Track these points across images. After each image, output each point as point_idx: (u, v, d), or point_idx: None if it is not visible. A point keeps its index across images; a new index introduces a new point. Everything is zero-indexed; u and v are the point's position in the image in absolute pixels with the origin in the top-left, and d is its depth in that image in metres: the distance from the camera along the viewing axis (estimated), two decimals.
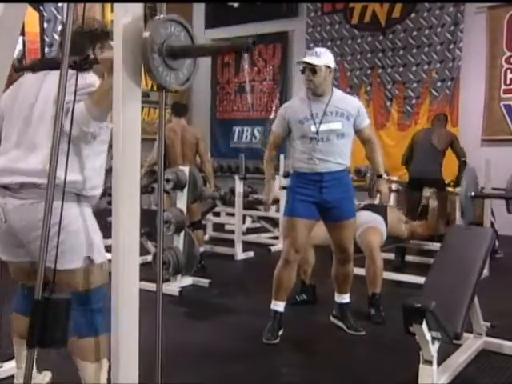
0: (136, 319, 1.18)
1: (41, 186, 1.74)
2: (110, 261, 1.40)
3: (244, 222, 6.89)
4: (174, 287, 4.17)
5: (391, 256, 5.05)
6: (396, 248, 5.04)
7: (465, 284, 2.67)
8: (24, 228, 1.82)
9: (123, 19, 1.11)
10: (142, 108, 1.20)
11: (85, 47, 1.92)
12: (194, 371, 2.72)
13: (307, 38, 8.61)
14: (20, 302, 2.15)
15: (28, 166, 1.81)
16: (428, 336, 2.32)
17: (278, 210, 6.65)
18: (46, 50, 9.02)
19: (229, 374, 2.73)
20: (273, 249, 5.91)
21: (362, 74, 8.26)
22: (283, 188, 5.88)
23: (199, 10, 9.68)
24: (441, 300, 2.37)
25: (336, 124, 3.09)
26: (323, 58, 3.07)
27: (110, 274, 1.32)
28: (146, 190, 5.45)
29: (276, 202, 6.47)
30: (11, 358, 2.54)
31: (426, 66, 7.73)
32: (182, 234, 4.27)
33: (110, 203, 1.25)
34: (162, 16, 1.19)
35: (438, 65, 7.64)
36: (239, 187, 5.76)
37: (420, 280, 3.62)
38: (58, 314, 1.33)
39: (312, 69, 3.05)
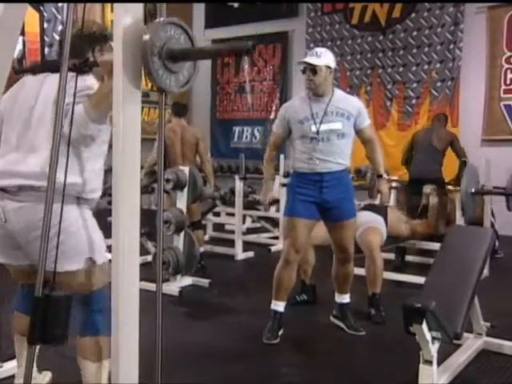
0: (136, 319, 1.18)
1: (39, 189, 1.74)
2: (110, 261, 1.41)
3: (244, 222, 6.89)
4: (173, 287, 4.17)
5: (391, 256, 5.05)
6: (396, 248, 5.04)
7: (465, 284, 2.67)
8: (22, 230, 1.82)
9: (123, 22, 1.11)
10: (142, 108, 1.20)
11: (84, 50, 1.92)
12: (193, 371, 2.72)
13: (307, 37, 8.61)
14: (21, 300, 2.15)
15: (27, 169, 1.81)
16: (428, 336, 2.32)
17: (278, 210, 6.65)
18: (46, 49, 9.01)
19: (229, 374, 2.73)
20: (273, 249, 5.91)
21: (362, 74, 8.26)
22: (283, 185, 5.89)
23: (199, 10, 9.68)
24: (441, 300, 2.37)
25: (336, 124, 3.09)
26: (324, 58, 3.07)
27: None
28: (146, 190, 5.45)
29: (275, 202, 6.48)
30: (11, 358, 2.54)
31: (426, 66, 7.73)
32: (182, 234, 4.27)
33: (110, 203, 1.25)
34: (162, 19, 1.19)
35: (438, 65, 7.64)
36: (239, 187, 5.76)
37: (420, 280, 3.62)
38: (59, 310, 1.33)
39: (312, 69, 3.05)
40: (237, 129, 9.51)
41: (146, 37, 1.11)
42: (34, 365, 2.30)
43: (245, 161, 6.28)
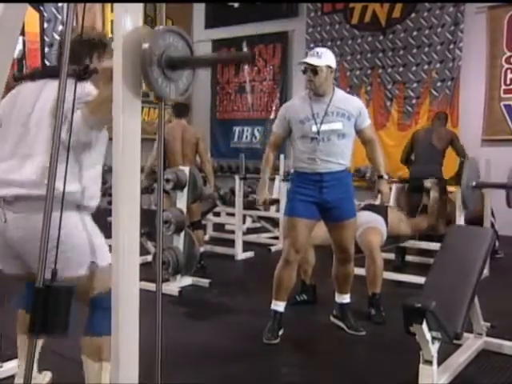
0: (136, 319, 1.18)
1: (35, 198, 1.73)
2: None
3: (244, 222, 6.89)
4: (173, 287, 4.17)
5: (391, 256, 5.05)
6: (396, 248, 5.04)
7: (465, 284, 2.67)
8: (21, 239, 1.80)
9: (123, 27, 1.11)
10: (142, 108, 1.20)
11: (83, 56, 1.92)
12: (194, 371, 2.72)
13: (307, 38, 8.61)
14: (26, 299, 2.14)
15: (21, 177, 1.79)
16: (428, 336, 2.32)
17: (278, 210, 6.65)
18: (46, 49, 9.02)
19: (229, 374, 2.73)
20: (273, 249, 5.92)
21: (362, 74, 8.26)
22: (285, 180, 5.89)
23: (199, 10, 9.68)
24: (441, 300, 2.37)
25: (337, 124, 3.09)
26: (324, 58, 3.07)
27: None
28: (146, 190, 5.46)
29: (275, 202, 6.48)
30: (11, 358, 2.55)
31: (426, 66, 7.74)
32: (182, 234, 4.27)
33: (110, 203, 1.25)
34: (161, 27, 1.19)
35: (438, 65, 7.64)
36: (239, 187, 5.76)
37: (420, 280, 3.62)
38: (60, 301, 1.34)
39: (313, 69, 3.05)
40: (237, 129, 9.51)
41: (146, 45, 1.11)
42: (35, 365, 2.30)
43: (245, 161, 6.28)
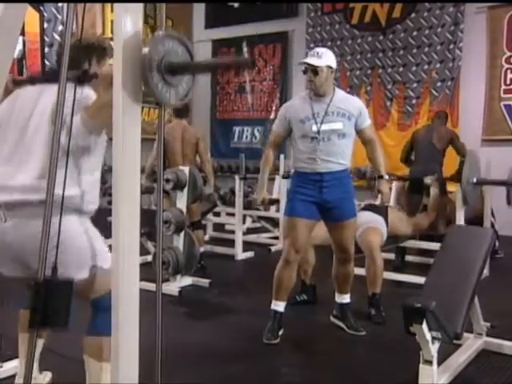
0: (136, 319, 1.18)
1: (33, 203, 1.72)
2: None
3: (244, 222, 6.89)
4: (173, 287, 4.17)
5: (391, 256, 5.05)
6: (396, 248, 5.04)
7: (465, 284, 2.67)
8: (21, 245, 1.79)
9: (123, 31, 1.11)
10: (142, 108, 1.20)
11: (82, 61, 1.92)
12: (194, 371, 2.72)
13: (307, 38, 8.61)
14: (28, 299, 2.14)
15: (18, 183, 1.79)
16: (428, 336, 2.32)
17: (278, 210, 6.65)
18: (46, 49, 9.02)
19: (229, 374, 2.73)
20: (273, 249, 5.92)
21: (362, 74, 8.26)
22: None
23: (199, 10, 9.68)
24: (441, 300, 2.37)
25: (337, 124, 3.09)
26: (324, 58, 3.07)
27: None
28: (147, 190, 5.45)
29: (275, 202, 6.48)
30: (11, 358, 2.55)
31: (426, 66, 7.74)
32: (182, 234, 4.27)
33: (110, 203, 1.25)
34: (160, 32, 1.19)
35: (438, 65, 7.64)
36: (239, 187, 5.76)
37: (420, 280, 3.62)
38: (60, 294, 1.34)
39: (314, 70, 3.05)
40: (237, 129, 9.51)
41: (145, 50, 1.12)
42: (35, 365, 2.30)
43: (245, 161, 6.28)
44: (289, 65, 8.90)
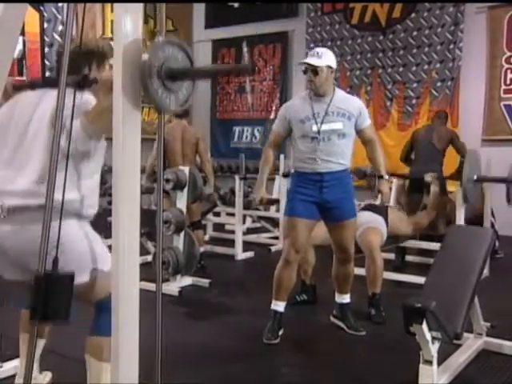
0: (136, 319, 1.18)
1: (32, 208, 1.72)
2: None
3: (244, 222, 6.89)
4: (173, 287, 4.17)
5: (391, 256, 5.05)
6: (396, 248, 5.04)
7: (465, 284, 2.67)
8: (20, 250, 1.79)
9: (123, 35, 1.11)
10: (142, 108, 1.20)
11: (82, 66, 1.91)
12: (194, 371, 2.72)
13: (307, 38, 8.60)
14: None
15: (17, 187, 1.79)
16: (428, 336, 2.32)
17: (278, 210, 6.65)
18: (46, 49, 9.02)
19: (229, 374, 2.73)
20: (273, 249, 5.91)
21: (362, 74, 8.25)
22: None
23: (199, 10, 9.67)
24: (441, 300, 2.37)
25: (337, 124, 3.09)
26: (324, 58, 3.07)
27: None
28: (148, 191, 5.45)
29: (275, 202, 6.48)
30: (11, 358, 2.55)
31: (426, 66, 7.73)
32: (182, 234, 4.27)
33: (110, 203, 1.25)
34: (160, 39, 1.19)
35: (438, 65, 7.64)
36: (239, 187, 5.76)
37: (420, 280, 3.62)
38: (61, 287, 1.34)
39: (314, 70, 3.05)
40: (237, 129, 9.50)
41: (145, 56, 1.12)
42: (35, 365, 2.31)
43: (245, 161, 6.28)
44: (289, 65, 8.89)
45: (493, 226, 5.12)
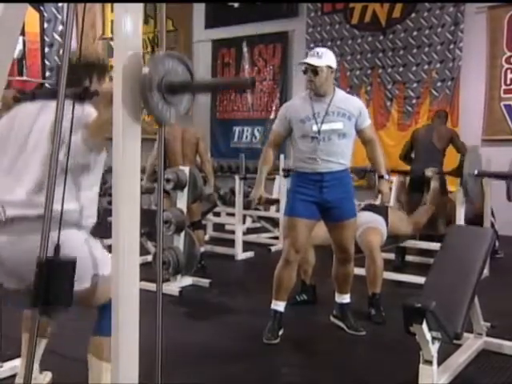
0: (136, 319, 1.18)
1: (30, 219, 1.72)
2: None
3: (244, 222, 6.89)
4: (174, 287, 4.17)
5: (391, 256, 5.05)
6: (396, 248, 5.04)
7: (465, 284, 2.67)
8: (18, 261, 1.78)
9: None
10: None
11: (82, 78, 1.92)
12: (194, 371, 2.72)
13: (307, 37, 8.60)
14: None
15: (15, 197, 1.78)
16: (428, 336, 2.32)
17: (278, 210, 6.65)
18: (46, 49, 9.03)
19: (229, 374, 2.73)
20: (273, 249, 5.91)
21: (362, 74, 8.25)
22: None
23: (199, 10, 9.67)
24: (441, 300, 2.37)
25: (337, 124, 3.09)
26: (325, 58, 3.07)
27: None
28: (147, 191, 5.45)
29: (275, 202, 6.47)
30: (11, 358, 2.55)
31: (426, 66, 7.73)
32: (182, 234, 4.27)
33: (110, 203, 1.26)
34: (161, 52, 1.19)
35: (438, 65, 7.63)
36: (239, 187, 5.76)
37: (420, 280, 3.62)
38: (62, 274, 1.35)
39: (314, 70, 3.05)
40: (237, 129, 9.50)
41: (146, 70, 1.12)
42: (36, 365, 2.31)
43: (245, 161, 6.27)
44: (289, 65, 8.89)
45: (493, 225, 5.12)
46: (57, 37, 9.07)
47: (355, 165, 5.48)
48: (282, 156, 6.37)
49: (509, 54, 7.11)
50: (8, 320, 2.34)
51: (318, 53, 3.10)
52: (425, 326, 2.30)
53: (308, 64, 3.08)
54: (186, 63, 1.22)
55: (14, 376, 2.41)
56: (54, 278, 1.32)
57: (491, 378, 2.71)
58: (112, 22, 9.46)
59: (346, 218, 3.17)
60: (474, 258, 2.79)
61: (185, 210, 4.37)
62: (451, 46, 7.50)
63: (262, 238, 6.63)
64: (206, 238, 6.24)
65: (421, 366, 2.39)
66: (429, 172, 5.10)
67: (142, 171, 4.83)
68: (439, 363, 2.46)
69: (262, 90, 9.22)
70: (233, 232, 5.93)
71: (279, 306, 3.22)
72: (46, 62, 9.12)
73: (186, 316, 3.74)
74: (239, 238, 5.66)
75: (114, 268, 1.15)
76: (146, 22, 9.23)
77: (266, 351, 3.04)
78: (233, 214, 6.32)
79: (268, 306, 3.25)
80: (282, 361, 2.96)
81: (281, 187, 6.53)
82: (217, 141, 9.61)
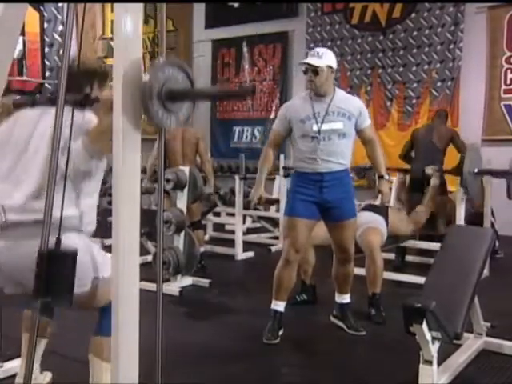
0: (136, 319, 1.18)
1: (27, 224, 1.72)
2: None
3: (244, 222, 6.89)
4: (174, 287, 4.17)
5: (391, 256, 5.05)
6: (396, 248, 5.04)
7: (465, 284, 2.67)
8: (15, 266, 1.78)
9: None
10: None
11: (83, 84, 1.92)
12: (194, 371, 2.72)
13: (307, 38, 8.60)
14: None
15: (13, 202, 1.78)
16: (428, 336, 2.32)
17: (278, 210, 6.65)
18: (46, 49, 9.02)
19: (229, 374, 2.73)
20: (273, 249, 5.91)
21: (362, 74, 8.25)
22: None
23: (199, 10, 9.67)
24: (441, 300, 2.37)
25: (338, 124, 3.09)
26: (325, 58, 3.08)
27: None
28: (147, 191, 5.45)
29: (275, 202, 6.47)
30: (11, 358, 2.55)
31: (426, 66, 7.73)
32: (182, 234, 4.27)
33: (110, 203, 1.26)
34: (161, 60, 1.19)
35: (438, 65, 7.63)
36: (239, 187, 5.75)
37: (420, 280, 3.62)
38: (63, 265, 1.35)
39: (314, 70, 3.05)
40: (237, 129, 9.50)
41: (146, 78, 1.12)
42: (36, 365, 2.31)
43: (245, 161, 6.27)
44: (289, 65, 8.89)
45: (493, 225, 5.12)
46: (57, 37, 9.07)
47: (355, 164, 5.50)
48: (282, 156, 6.37)
49: (509, 53, 7.11)
50: (8, 320, 2.34)
51: (318, 53, 3.10)
52: (425, 326, 2.30)
53: (308, 64, 3.08)
54: (186, 71, 1.22)
55: (14, 376, 2.40)
56: (54, 269, 1.32)
57: (491, 378, 2.71)
58: (112, 21, 9.46)
59: (346, 218, 3.17)
60: (474, 258, 2.79)
61: (185, 210, 4.37)
62: (451, 46, 7.50)
63: (262, 237, 6.63)
64: (206, 237, 6.24)
65: (421, 366, 2.39)
66: (429, 170, 5.10)
67: (143, 171, 4.82)
68: (439, 363, 2.45)
69: (261, 90, 9.22)
70: (233, 232, 5.93)
71: (279, 305, 3.22)
72: (46, 62, 9.12)
73: (186, 316, 3.74)
74: (239, 238, 5.66)
75: (114, 268, 1.15)
76: (146, 22, 9.23)
77: (266, 351, 3.04)
78: (233, 214, 6.32)
79: (268, 306, 3.25)
80: (282, 361, 2.96)
81: (281, 187, 6.53)
82: (217, 141, 9.61)
